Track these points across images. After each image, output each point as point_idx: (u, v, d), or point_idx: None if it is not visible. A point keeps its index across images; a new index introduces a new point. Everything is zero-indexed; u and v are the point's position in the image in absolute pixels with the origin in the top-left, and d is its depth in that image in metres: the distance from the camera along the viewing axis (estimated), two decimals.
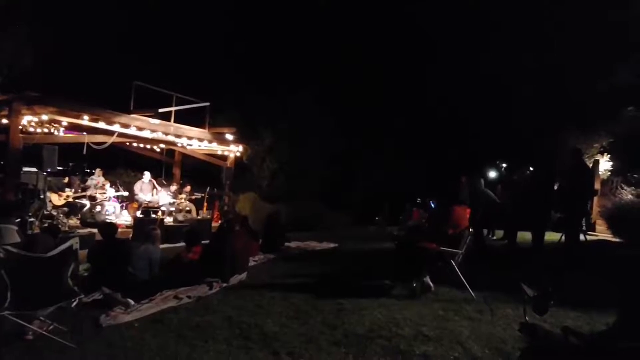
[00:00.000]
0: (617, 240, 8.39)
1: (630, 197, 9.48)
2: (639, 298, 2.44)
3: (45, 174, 8.75)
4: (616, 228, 8.60)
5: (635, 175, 10.19)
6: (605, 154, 11.85)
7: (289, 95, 16.77)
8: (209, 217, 11.16)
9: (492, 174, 8.21)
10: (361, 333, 3.54)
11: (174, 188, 11.38)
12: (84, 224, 9.18)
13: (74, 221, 9.33)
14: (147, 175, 10.98)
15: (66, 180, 10.97)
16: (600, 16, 11.88)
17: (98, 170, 10.95)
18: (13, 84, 9.98)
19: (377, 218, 12.98)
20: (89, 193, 10.12)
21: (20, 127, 8.26)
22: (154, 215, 9.51)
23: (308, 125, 16.41)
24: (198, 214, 11.35)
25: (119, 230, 6.71)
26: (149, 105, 9.99)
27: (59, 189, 10.08)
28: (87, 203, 9.88)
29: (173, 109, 10.40)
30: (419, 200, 10.88)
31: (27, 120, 8.74)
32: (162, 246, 7.60)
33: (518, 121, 14.20)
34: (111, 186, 10.70)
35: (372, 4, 19.74)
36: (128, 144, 11.91)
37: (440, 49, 18.56)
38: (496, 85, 15.33)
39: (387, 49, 19.45)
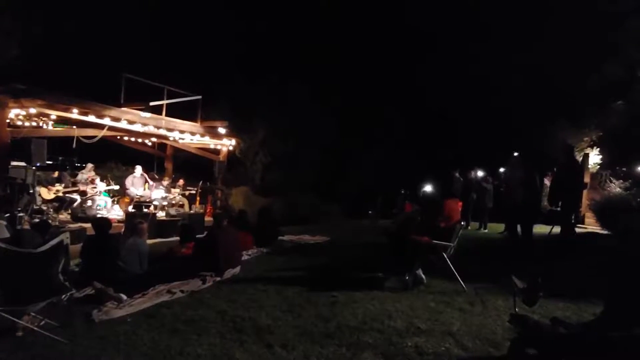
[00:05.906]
0: (605, 232, 8.53)
1: (618, 190, 9.66)
2: (624, 289, 2.50)
3: (34, 167, 8.61)
4: (604, 221, 8.74)
5: (623, 169, 10.37)
6: (595, 147, 12.02)
7: (282, 89, 16.68)
8: (201, 211, 11.11)
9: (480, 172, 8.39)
10: (354, 325, 3.57)
11: (165, 182, 11.29)
12: (75, 218, 9.07)
13: (64, 216, 9.22)
14: (139, 169, 10.87)
15: (56, 174, 10.81)
16: (590, 10, 11.92)
17: (89, 164, 10.81)
18: None
19: (370, 211, 13.02)
20: (79, 187, 10.00)
21: (8, 121, 8.11)
22: (145, 210, 9.44)
23: (301, 118, 16.36)
24: (190, 208, 11.29)
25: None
26: (139, 98, 9.87)
27: (48, 183, 9.94)
28: (77, 197, 9.75)
29: (164, 102, 10.29)
30: (402, 191, 10.98)
31: (15, 113, 8.58)
32: (154, 240, 7.62)
33: (509, 115, 14.30)
34: (101, 180, 10.58)
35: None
36: (119, 137, 11.76)
37: (431, 44, 18.57)
38: (487, 80, 15.39)
39: (383, 45, 19.42)
